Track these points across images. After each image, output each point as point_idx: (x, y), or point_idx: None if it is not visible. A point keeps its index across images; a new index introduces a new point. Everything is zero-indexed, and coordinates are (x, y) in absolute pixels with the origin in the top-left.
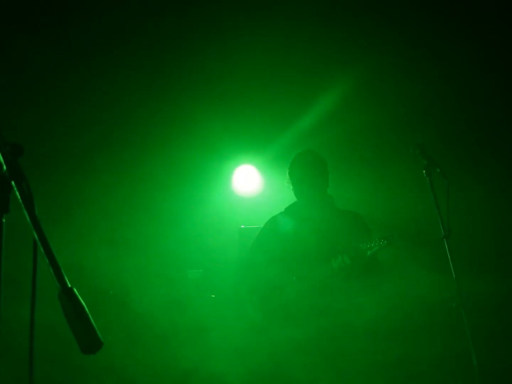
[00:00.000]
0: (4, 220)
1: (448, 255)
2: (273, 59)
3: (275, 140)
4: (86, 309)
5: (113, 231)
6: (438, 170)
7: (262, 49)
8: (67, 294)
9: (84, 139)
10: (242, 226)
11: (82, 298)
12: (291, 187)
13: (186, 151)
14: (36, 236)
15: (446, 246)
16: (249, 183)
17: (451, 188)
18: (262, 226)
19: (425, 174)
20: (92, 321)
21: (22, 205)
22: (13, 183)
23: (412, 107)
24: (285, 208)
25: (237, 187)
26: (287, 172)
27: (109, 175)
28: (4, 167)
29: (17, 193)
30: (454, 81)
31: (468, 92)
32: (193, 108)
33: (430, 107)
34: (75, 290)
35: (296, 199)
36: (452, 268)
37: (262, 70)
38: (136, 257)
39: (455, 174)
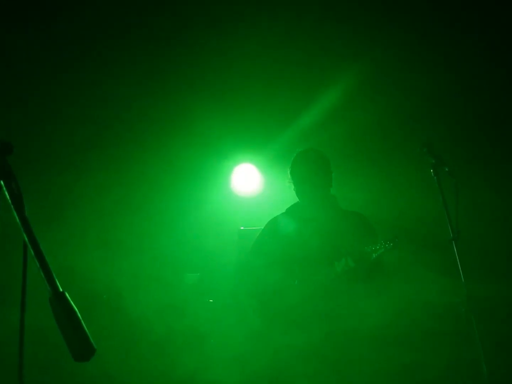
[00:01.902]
0: None
1: (457, 258)
2: (274, 52)
3: (276, 138)
4: (78, 314)
5: (107, 232)
6: (447, 169)
7: (262, 43)
8: (58, 299)
9: (77, 137)
10: (242, 228)
11: (74, 303)
12: (293, 187)
13: (183, 150)
14: (26, 238)
15: (455, 248)
16: (249, 183)
17: (460, 188)
18: (263, 227)
19: (432, 174)
20: (85, 327)
21: (12, 206)
22: (1, 182)
23: (420, 104)
24: (287, 209)
25: (236, 187)
26: (288, 171)
27: (102, 174)
28: None
29: (6, 193)
30: (464, 76)
31: (478, 88)
32: (190, 104)
33: (439, 104)
34: (66, 294)
35: (297, 200)
36: (461, 271)
37: (262, 64)
38: (131, 260)
39: (464, 174)
